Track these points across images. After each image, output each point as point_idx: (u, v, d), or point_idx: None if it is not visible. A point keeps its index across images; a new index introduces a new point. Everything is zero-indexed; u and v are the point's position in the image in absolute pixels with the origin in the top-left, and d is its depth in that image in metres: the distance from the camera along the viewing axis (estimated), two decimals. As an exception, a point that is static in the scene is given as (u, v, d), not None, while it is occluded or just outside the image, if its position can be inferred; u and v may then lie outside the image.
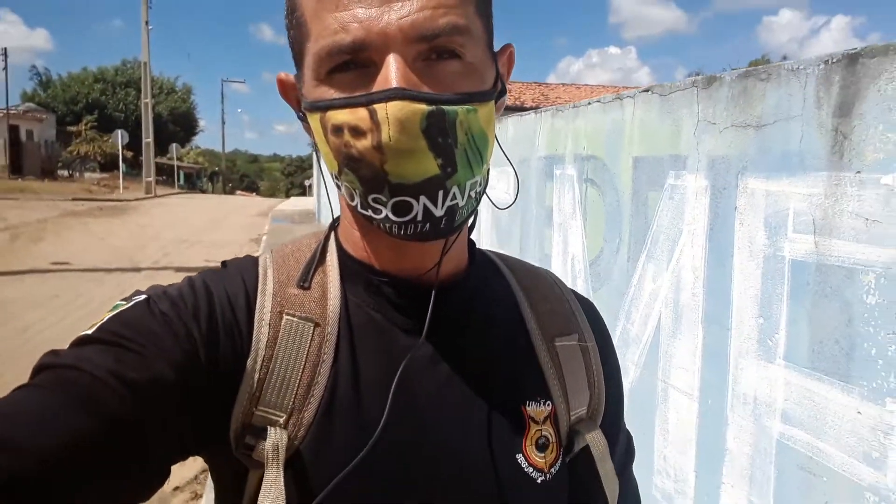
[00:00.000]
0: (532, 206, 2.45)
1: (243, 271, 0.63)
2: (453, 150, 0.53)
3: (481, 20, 0.56)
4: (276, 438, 0.56)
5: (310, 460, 0.57)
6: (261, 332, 0.58)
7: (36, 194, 23.08)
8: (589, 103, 2.01)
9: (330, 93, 0.54)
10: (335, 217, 0.68)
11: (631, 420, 1.75)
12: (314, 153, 0.61)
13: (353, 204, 0.58)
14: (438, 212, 0.54)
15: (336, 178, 0.57)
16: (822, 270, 1.13)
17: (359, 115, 0.52)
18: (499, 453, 0.61)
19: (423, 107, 0.50)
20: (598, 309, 0.75)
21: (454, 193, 0.54)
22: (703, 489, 1.46)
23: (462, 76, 0.54)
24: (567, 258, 2.15)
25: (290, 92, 0.62)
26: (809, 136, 1.16)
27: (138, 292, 0.59)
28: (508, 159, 0.83)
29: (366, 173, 0.53)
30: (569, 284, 2.03)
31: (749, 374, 1.31)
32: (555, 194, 2.23)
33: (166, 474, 0.54)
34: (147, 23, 26.00)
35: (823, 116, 1.12)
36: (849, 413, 1.08)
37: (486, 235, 2.95)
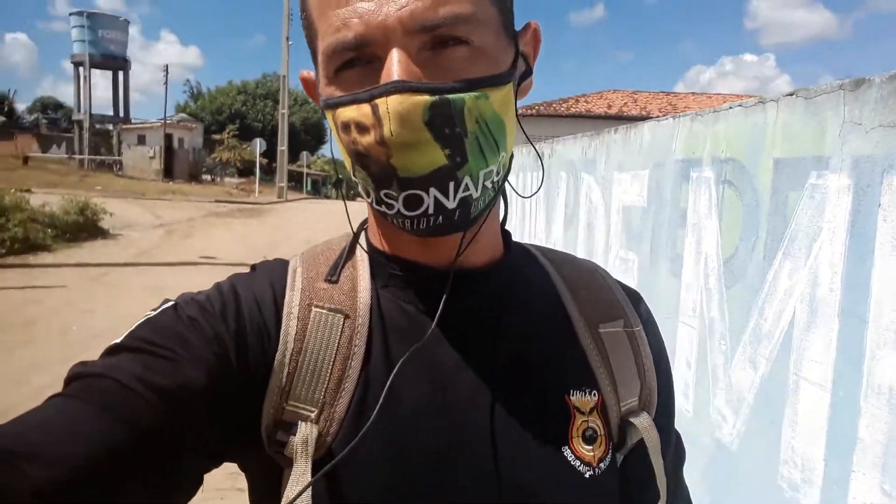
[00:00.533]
0: (666, 207, 2.53)
1: (271, 272, 0.63)
2: (462, 140, 0.51)
3: (494, 3, 0.55)
4: (305, 432, 0.55)
5: (342, 458, 0.55)
6: (289, 326, 0.58)
7: (184, 196, 25.42)
8: (730, 107, 2.08)
9: (339, 90, 0.54)
10: (364, 220, 0.68)
11: (760, 413, 1.83)
12: (331, 152, 0.61)
13: (369, 200, 0.58)
14: (450, 203, 0.53)
15: (353, 175, 0.57)
16: (968, 263, 1.17)
17: (363, 112, 0.51)
18: (543, 445, 0.58)
19: (426, 98, 0.50)
20: (644, 301, 0.73)
21: (466, 184, 0.53)
22: (831, 477, 1.51)
23: (470, 62, 0.52)
24: (700, 257, 2.22)
25: (312, 89, 0.62)
26: (959, 135, 1.20)
27: (167, 300, 0.60)
28: (532, 144, 0.76)
29: (374, 169, 0.53)
30: (700, 282, 2.15)
31: (885, 364, 1.36)
32: (690, 196, 2.31)
33: (199, 482, 0.54)
34: (287, 38, 27.94)
35: (974, 115, 1.17)
36: None
37: (616, 237, 3.05)
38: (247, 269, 0.66)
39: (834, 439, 1.51)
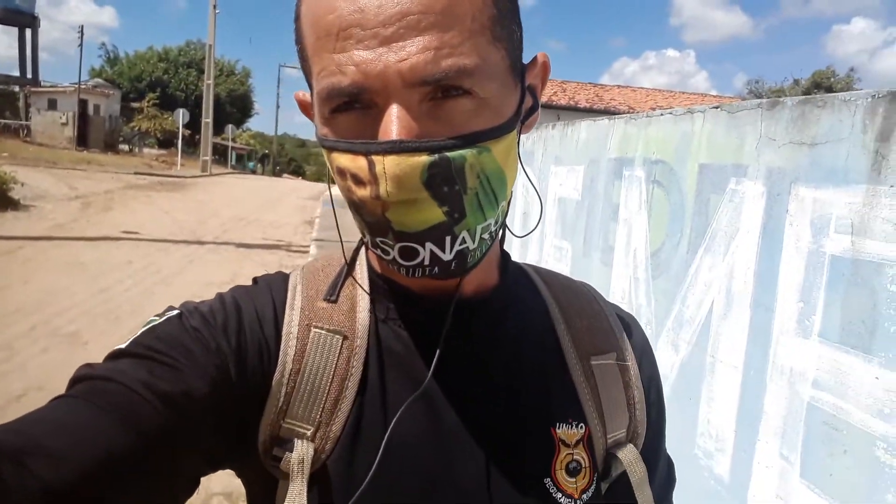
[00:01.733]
0: (599, 202, 2.73)
1: (273, 287, 0.63)
2: (461, 197, 0.51)
3: (499, 46, 0.53)
4: (302, 451, 0.55)
5: (336, 475, 0.57)
6: (288, 346, 0.58)
7: (101, 166, 24.16)
8: (661, 114, 2.28)
9: (335, 132, 0.53)
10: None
11: (680, 391, 2.05)
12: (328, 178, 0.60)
13: (365, 241, 0.58)
14: (447, 256, 0.53)
15: (349, 209, 0.57)
16: (856, 264, 1.39)
17: (358, 164, 0.50)
18: (525, 477, 0.59)
19: (425, 158, 0.48)
20: (639, 325, 0.73)
21: (463, 238, 0.53)
22: (740, 445, 1.73)
23: (474, 114, 0.51)
24: (630, 249, 2.42)
25: (309, 110, 0.61)
26: (854, 155, 1.42)
27: (171, 308, 0.60)
28: (534, 186, 0.86)
29: (369, 219, 0.52)
30: (629, 272, 2.38)
31: (788, 348, 1.58)
32: (622, 192, 2.51)
33: (195, 485, 0.55)
34: (215, 6, 26.88)
35: (867, 140, 1.38)
36: (868, 378, 1.34)
37: (551, 227, 3.24)
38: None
39: (743, 413, 1.74)
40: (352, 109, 0.51)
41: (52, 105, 34.82)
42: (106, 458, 0.46)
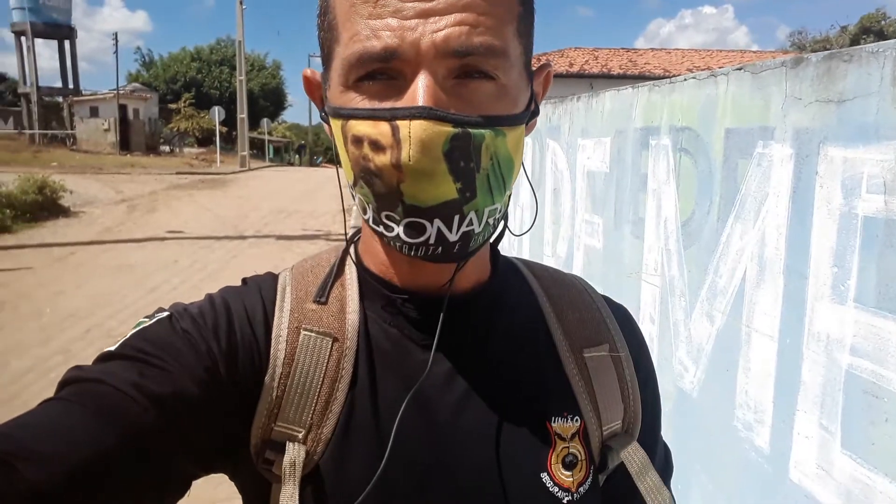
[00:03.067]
0: (627, 173, 2.67)
1: (262, 288, 0.63)
2: (474, 175, 0.51)
3: (521, 41, 0.55)
4: (293, 454, 0.56)
5: (328, 476, 0.57)
6: (278, 349, 0.58)
7: (144, 168, 24.84)
8: (685, 79, 2.21)
9: (355, 100, 0.52)
10: (356, 230, 0.68)
11: (717, 362, 2.02)
12: (335, 158, 0.59)
13: (366, 217, 0.57)
14: (452, 237, 0.53)
15: (351, 188, 0.57)
16: (891, 225, 1.33)
17: (380, 130, 0.50)
18: (521, 472, 0.59)
19: (449, 128, 0.49)
20: (632, 316, 0.73)
21: (471, 219, 0.53)
22: (779, 417, 1.69)
23: (495, 98, 0.52)
24: (661, 220, 2.37)
25: (315, 90, 0.62)
26: (885, 110, 1.35)
27: (161, 309, 0.61)
28: (530, 183, 0.89)
29: (381, 189, 0.52)
30: (661, 244, 2.33)
31: (823, 315, 1.53)
32: (650, 162, 2.45)
33: (186, 488, 0.55)
34: (241, 2, 27.12)
35: None
36: (908, 343, 1.29)
37: (581, 201, 3.19)
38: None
39: (781, 383, 1.69)
40: (375, 79, 0.51)
41: (94, 112, 35.90)
42: (95, 460, 0.46)
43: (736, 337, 1.89)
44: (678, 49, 26.00)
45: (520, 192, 3.77)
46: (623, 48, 23.80)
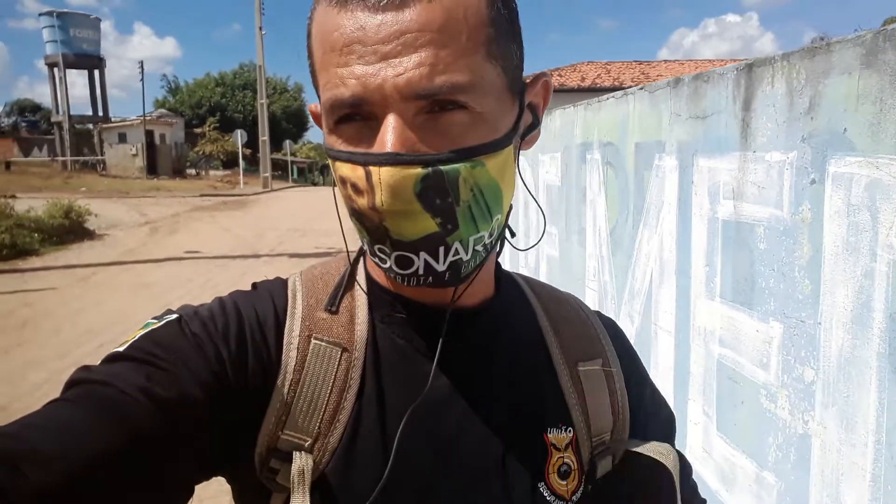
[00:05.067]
0: (573, 187, 2.84)
1: (273, 293, 0.63)
2: (454, 209, 0.52)
3: (497, 63, 0.54)
4: (302, 463, 0.56)
5: (335, 486, 0.57)
6: (289, 356, 0.58)
7: (169, 192, 25.54)
8: (608, 98, 2.38)
9: (338, 143, 0.54)
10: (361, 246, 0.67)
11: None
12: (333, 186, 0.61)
13: (365, 248, 0.59)
14: (440, 267, 0.54)
15: (350, 218, 0.58)
16: (738, 227, 1.49)
17: (357, 174, 0.52)
18: (521, 482, 0.60)
19: (418, 170, 0.50)
20: (622, 330, 0.75)
21: (456, 249, 0.54)
22: (677, 407, 1.84)
23: (469, 128, 0.52)
24: (596, 230, 2.54)
25: (320, 122, 0.62)
26: (731, 125, 1.52)
27: (170, 311, 0.60)
28: (535, 198, 0.88)
29: (368, 226, 0.54)
30: (595, 252, 2.54)
31: (702, 311, 1.68)
32: (587, 175, 2.62)
33: (190, 492, 0.55)
34: (261, 28, 27.88)
35: (737, 110, 1.48)
36: (751, 332, 1.44)
37: (544, 208, 3.36)
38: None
39: (677, 375, 1.85)
40: (353, 121, 0.52)
41: (123, 138, 37.05)
42: (99, 462, 0.46)
43: (647, 334, 2.04)
44: (692, 60, 25.97)
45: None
46: (636, 61, 23.82)
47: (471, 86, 0.51)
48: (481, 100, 0.52)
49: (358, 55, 0.50)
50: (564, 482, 0.61)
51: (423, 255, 0.53)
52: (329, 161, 0.57)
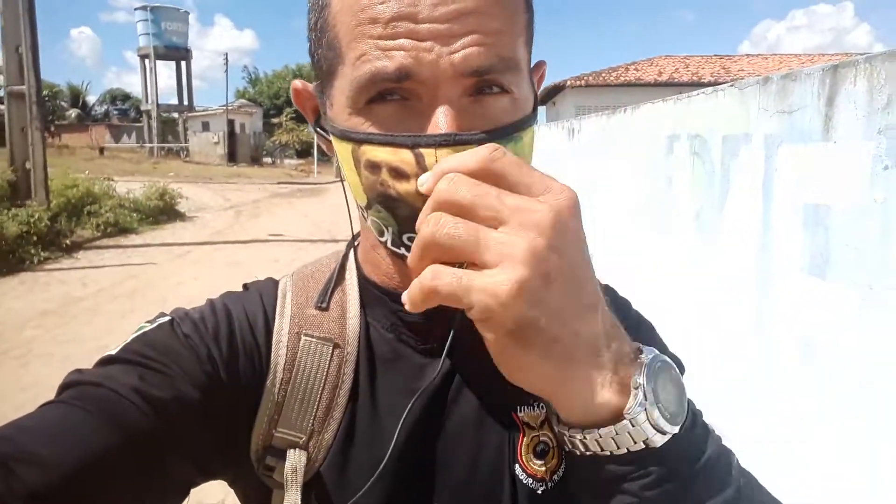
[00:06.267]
0: (660, 177, 3.07)
1: (263, 293, 0.63)
2: None
3: (527, 49, 0.55)
4: (294, 461, 0.56)
5: (330, 483, 0.58)
6: (278, 355, 0.59)
7: (248, 178, 26.72)
8: (697, 94, 2.60)
9: (366, 125, 0.51)
10: (354, 234, 0.67)
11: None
12: (339, 177, 0.59)
13: (383, 240, 0.56)
14: None
15: (363, 209, 0.56)
16: (815, 209, 1.71)
17: (402, 157, 0.50)
18: (492, 467, 0.59)
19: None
20: (612, 291, 0.71)
21: None
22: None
23: (508, 112, 0.52)
24: (680, 217, 2.76)
25: (305, 101, 0.61)
26: (814, 119, 1.73)
27: (162, 314, 0.60)
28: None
29: (404, 212, 0.52)
30: (683, 236, 2.73)
31: (780, 285, 1.90)
32: (674, 166, 2.84)
33: (185, 494, 0.55)
34: (339, 22, 28.75)
35: (821, 105, 1.69)
36: (826, 301, 1.66)
37: (634, 206, 3.57)
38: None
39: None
40: (387, 101, 0.50)
41: (206, 127, 38.91)
42: (93, 464, 0.47)
43: (717, 310, 2.26)
44: (775, 54, 25.03)
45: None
46: (717, 55, 23.24)
47: (518, 66, 0.52)
48: (520, 83, 0.53)
49: (407, 29, 0.48)
50: (542, 462, 0.59)
51: None
52: (341, 144, 0.54)
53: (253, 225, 13.31)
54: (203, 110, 43.30)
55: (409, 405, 0.57)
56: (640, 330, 0.68)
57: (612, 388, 0.42)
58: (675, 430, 0.43)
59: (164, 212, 13.74)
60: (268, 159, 40.74)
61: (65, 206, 10.98)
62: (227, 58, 37.81)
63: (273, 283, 0.65)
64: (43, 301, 6.95)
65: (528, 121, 0.54)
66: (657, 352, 0.45)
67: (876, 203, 1.47)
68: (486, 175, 0.42)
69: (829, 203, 1.65)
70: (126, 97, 64.81)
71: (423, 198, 0.46)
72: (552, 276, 0.40)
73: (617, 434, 0.43)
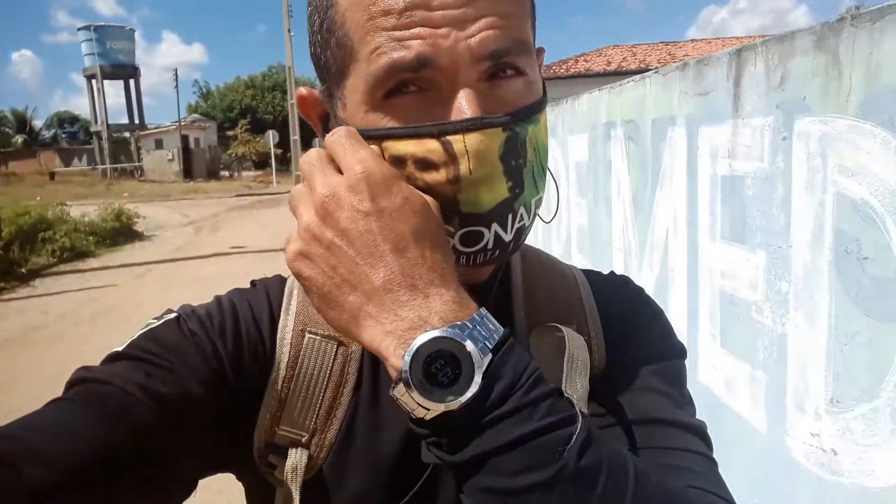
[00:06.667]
0: (600, 161, 3.22)
1: (270, 290, 0.63)
2: (522, 171, 0.51)
3: (533, 34, 0.55)
4: (295, 459, 0.56)
5: (331, 481, 0.57)
6: (282, 352, 0.59)
7: (206, 193, 26.38)
8: (627, 82, 2.76)
9: (385, 120, 0.51)
10: None
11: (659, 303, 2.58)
12: None
13: None
14: (508, 236, 0.53)
15: None
16: (732, 180, 1.86)
17: (428, 147, 0.49)
18: None
19: (500, 133, 0.49)
20: (629, 284, 0.71)
21: (521, 214, 0.53)
22: (689, 337, 2.22)
23: (525, 94, 0.52)
24: (620, 197, 2.91)
25: (311, 109, 0.61)
26: (723, 100, 1.88)
27: (169, 311, 0.60)
28: (550, 173, 0.70)
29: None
30: (620, 217, 2.93)
31: (707, 252, 2.05)
32: (611, 151, 2.99)
33: (193, 488, 0.55)
34: (289, 31, 28.53)
35: (730, 86, 1.85)
36: (744, 262, 1.81)
37: (572, 187, 3.73)
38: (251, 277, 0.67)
39: (689, 309, 2.22)
40: (405, 94, 0.50)
41: (159, 144, 38.22)
42: (99, 461, 0.47)
43: (665, 279, 2.42)
44: (719, 38, 25.74)
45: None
46: (663, 42, 23.77)
47: (530, 48, 0.53)
48: (533, 66, 0.54)
49: (421, 18, 0.48)
50: None
51: (494, 226, 0.52)
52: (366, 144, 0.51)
53: (214, 239, 13.19)
54: (155, 128, 42.52)
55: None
56: (637, 318, 0.67)
57: (396, 353, 0.44)
58: (440, 407, 0.43)
59: (122, 233, 13.53)
60: (225, 173, 40.21)
61: (17, 234, 10.75)
62: (176, 73, 37.27)
63: (280, 280, 0.65)
64: (2, 332, 6.83)
65: (542, 103, 0.55)
66: (457, 330, 0.44)
67: (779, 171, 1.62)
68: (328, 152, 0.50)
69: (741, 174, 1.81)
70: (74, 119, 63.22)
71: (455, 186, 0.49)
72: (321, 244, 0.47)
73: (399, 398, 0.44)
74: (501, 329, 0.46)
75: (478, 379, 0.43)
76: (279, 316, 0.61)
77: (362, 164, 0.47)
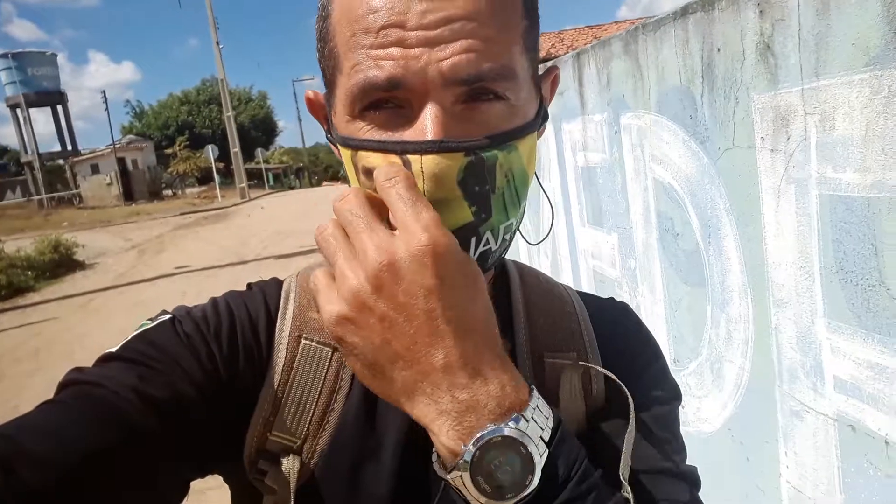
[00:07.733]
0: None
1: (266, 293, 0.63)
2: (489, 197, 0.51)
3: (528, 56, 0.54)
4: (288, 466, 0.56)
5: (323, 488, 0.57)
6: (277, 357, 0.58)
7: (149, 215, 25.83)
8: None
9: (362, 131, 0.52)
10: None
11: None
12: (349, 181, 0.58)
13: None
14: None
15: None
16: (588, 171, 2.06)
17: (392, 163, 0.50)
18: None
19: (461, 158, 0.49)
20: (628, 315, 0.70)
21: (487, 239, 0.53)
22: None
23: (505, 119, 0.51)
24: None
25: (318, 111, 0.61)
26: (574, 98, 2.08)
27: (164, 312, 0.60)
28: (545, 192, 0.76)
29: None
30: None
31: (580, 235, 2.26)
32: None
33: (185, 491, 0.55)
34: (218, 43, 28.10)
35: (577, 86, 2.04)
36: (604, 243, 2.02)
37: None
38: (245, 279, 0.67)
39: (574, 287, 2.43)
40: (381, 109, 0.51)
41: (95, 169, 37.19)
42: (92, 463, 0.47)
43: (557, 263, 2.62)
44: (649, 17, 26.26)
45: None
46: (588, 26, 24.20)
47: (513, 74, 0.51)
48: (517, 91, 0.52)
49: (397, 38, 0.49)
50: None
51: None
52: (343, 150, 0.55)
53: (158, 261, 13.01)
54: (90, 152, 41.28)
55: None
56: (635, 359, 0.66)
57: (450, 435, 0.44)
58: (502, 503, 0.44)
59: (62, 264, 13.20)
60: (168, 192, 39.36)
61: (-51, 275, 10.44)
62: (104, 95, 36.26)
63: (277, 284, 0.65)
64: (-60, 376, 6.69)
65: (526, 128, 0.54)
66: (519, 425, 0.44)
67: (616, 161, 1.83)
68: (378, 198, 0.48)
69: (593, 165, 2.01)
70: (3, 151, 60.83)
71: None
72: (373, 315, 0.44)
73: (451, 480, 0.45)
74: (552, 415, 0.47)
75: (536, 480, 0.44)
76: (276, 320, 0.61)
77: (428, 232, 0.45)
